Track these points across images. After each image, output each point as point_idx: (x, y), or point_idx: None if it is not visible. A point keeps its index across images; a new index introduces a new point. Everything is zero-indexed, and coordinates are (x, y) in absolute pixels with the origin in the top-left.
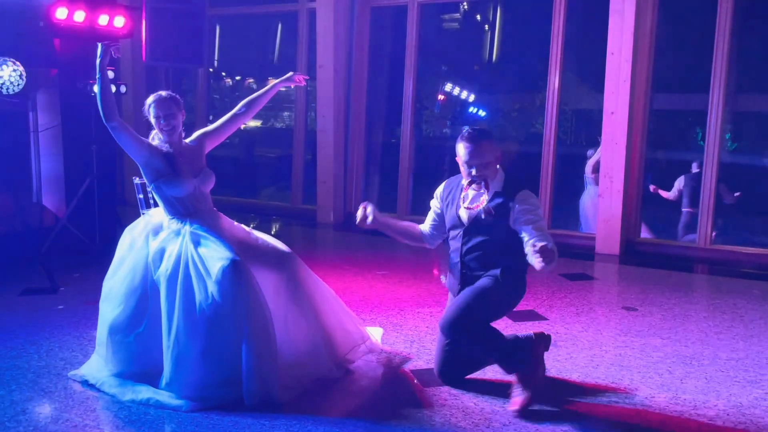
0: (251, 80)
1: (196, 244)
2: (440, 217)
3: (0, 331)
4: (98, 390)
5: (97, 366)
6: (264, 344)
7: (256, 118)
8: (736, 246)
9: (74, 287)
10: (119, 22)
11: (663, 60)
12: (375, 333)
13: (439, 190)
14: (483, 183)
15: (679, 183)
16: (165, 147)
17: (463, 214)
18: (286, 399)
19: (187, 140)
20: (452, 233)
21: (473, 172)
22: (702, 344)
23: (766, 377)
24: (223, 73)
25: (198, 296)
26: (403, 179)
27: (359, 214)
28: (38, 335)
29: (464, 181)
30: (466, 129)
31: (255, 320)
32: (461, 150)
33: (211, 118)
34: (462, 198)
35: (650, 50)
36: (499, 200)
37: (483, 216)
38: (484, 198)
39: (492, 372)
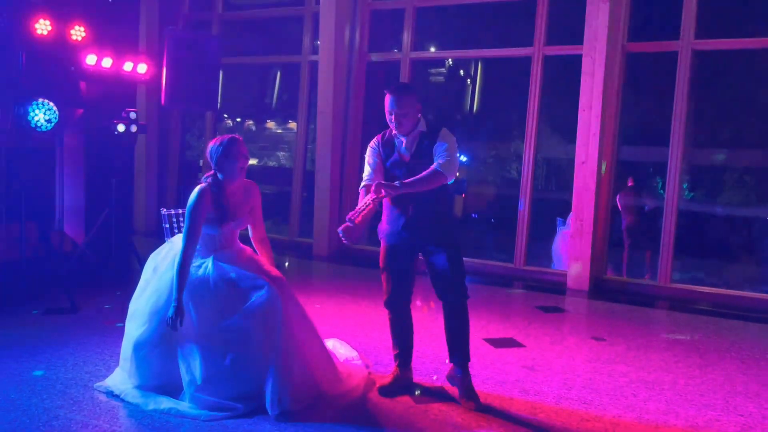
0: (251, 122)
1: (222, 271)
2: (380, 166)
3: (27, 346)
4: (122, 400)
5: (121, 379)
6: (289, 361)
7: (253, 157)
8: (693, 285)
9: (94, 308)
10: (142, 68)
11: (628, 116)
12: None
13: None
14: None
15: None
16: (218, 188)
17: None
18: (298, 409)
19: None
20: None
21: (392, 118)
22: (663, 371)
23: (719, 401)
24: (225, 115)
25: (225, 316)
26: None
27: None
28: (63, 350)
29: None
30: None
31: (284, 339)
32: (386, 100)
33: None
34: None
35: (617, 107)
36: (426, 141)
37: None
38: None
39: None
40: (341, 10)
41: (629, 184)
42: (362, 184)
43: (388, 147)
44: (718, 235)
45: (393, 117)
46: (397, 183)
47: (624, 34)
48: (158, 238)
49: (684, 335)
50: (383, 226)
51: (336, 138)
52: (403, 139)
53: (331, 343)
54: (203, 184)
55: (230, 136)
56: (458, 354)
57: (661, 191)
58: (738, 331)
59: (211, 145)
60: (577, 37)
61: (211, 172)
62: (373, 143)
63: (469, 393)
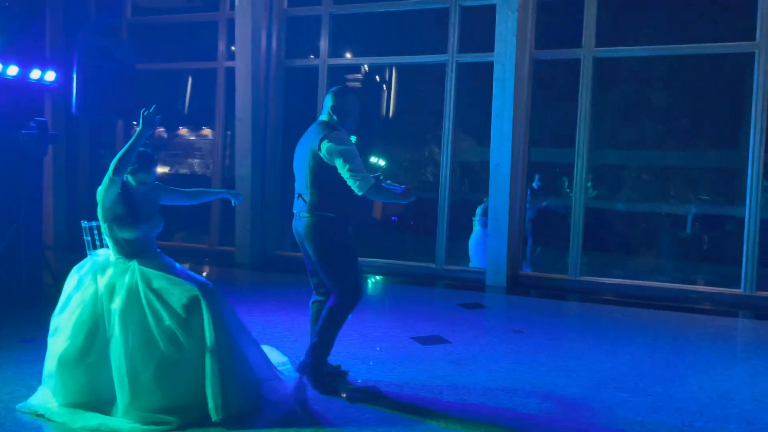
0: (161, 129)
1: (147, 279)
2: None
3: None
4: (48, 419)
5: (45, 397)
6: (228, 366)
7: (163, 164)
8: (600, 277)
9: (7, 327)
10: (50, 76)
11: (538, 120)
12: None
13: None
14: None
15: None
16: (132, 190)
17: None
18: (239, 415)
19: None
20: None
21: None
22: (578, 359)
23: (630, 384)
24: (134, 123)
25: (155, 326)
26: None
27: None
28: None
29: None
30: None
31: (220, 345)
32: (354, 99)
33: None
34: None
35: (527, 111)
36: None
37: None
38: None
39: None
40: (257, 16)
41: (536, 183)
42: (370, 175)
43: None
44: (620, 230)
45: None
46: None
47: (531, 43)
48: (70, 251)
49: (594, 325)
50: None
51: (256, 145)
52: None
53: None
54: None
55: (149, 157)
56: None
57: (567, 190)
58: (642, 319)
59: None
60: (489, 45)
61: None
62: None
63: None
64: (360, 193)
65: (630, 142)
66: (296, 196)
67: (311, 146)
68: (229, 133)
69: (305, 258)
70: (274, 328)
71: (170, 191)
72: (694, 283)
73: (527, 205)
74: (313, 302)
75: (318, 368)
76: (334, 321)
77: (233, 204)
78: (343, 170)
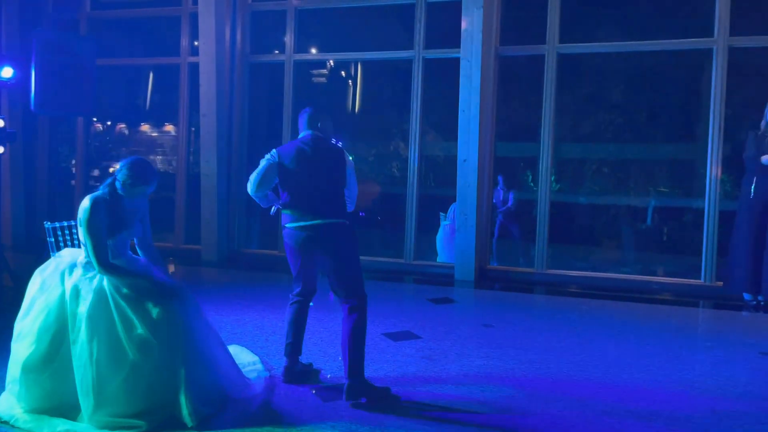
0: (123, 125)
1: (117, 283)
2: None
3: None
4: (13, 426)
5: (9, 403)
6: (197, 369)
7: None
8: (566, 270)
9: None
10: (7, 72)
11: (504, 115)
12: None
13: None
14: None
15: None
16: (115, 198)
17: None
18: (208, 416)
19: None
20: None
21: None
22: (547, 352)
23: (598, 374)
24: (95, 119)
25: (124, 333)
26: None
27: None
28: None
29: None
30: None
31: (189, 348)
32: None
33: (96, 173)
34: None
35: (493, 107)
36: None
37: None
38: None
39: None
40: (220, 10)
41: (501, 178)
42: None
43: None
44: (583, 222)
45: None
46: None
47: (497, 39)
48: (29, 252)
49: (562, 317)
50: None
51: (221, 141)
52: None
53: (231, 350)
54: (98, 193)
55: (146, 167)
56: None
57: (531, 184)
58: (607, 310)
59: (122, 165)
60: (455, 41)
61: (110, 181)
62: None
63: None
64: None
65: (592, 136)
66: (313, 203)
67: (339, 157)
68: (193, 129)
69: (306, 264)
70: (244, 327)
71: (144, 219)
72: (655, 274)
73: (508, 198)
74: (292, 303)
75: (368, 386)
76: (362, 333)
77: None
78: (353, 185)
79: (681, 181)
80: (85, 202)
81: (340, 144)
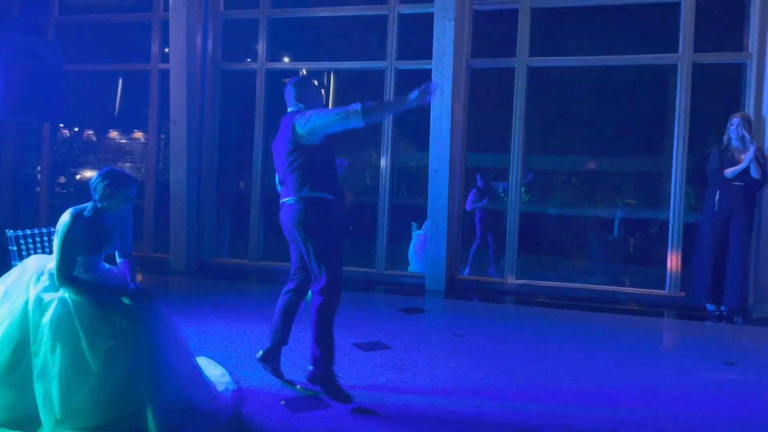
0: (90, 132)
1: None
2: None
3: None
4: None
5: None
6: (167, 381)
7: (93, 168)
8: (535, 280)
9: None
10: None
11: (475, 126)
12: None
13: None
14: None
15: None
16: (97, 217)
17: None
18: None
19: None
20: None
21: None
22: (516, 362)
23: (565, 384)
24: (61, 125)
25: (88, 345)
26: (254, 227)
27: None
28: None
29: None
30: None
31: (155, 359)
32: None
33: (62, 180)
34: None
35: (465, 118)
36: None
37: None
38: None
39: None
40: (192, 17)
41: (476, 188)
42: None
43: None
44: (552, 233)
45: None
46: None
47: (468, 51)
48: None
49: (530, 327)
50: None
51: (191, 148)
52: None
53: (199, 361)
54: (79, 208)
55: (120, 172)
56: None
57: (502, 194)
58: (575, 320)
59: (96, 178)
60: (427, 53)
61: (90, 202)
62: None
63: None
64: (361, 123)
65: (561, 148)
66: (279, 186)
67: (286, 134)
68: (162, 136)
69: (291, 247)
70: (213, 338)
71: (126, 233)
72: (622, 284)
73: (480, 205)
74: (285, 292)
75: (329, 378)
76: (325, 319)
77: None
78: (327, 121)
79: (647, 193)
80: (65, 217)
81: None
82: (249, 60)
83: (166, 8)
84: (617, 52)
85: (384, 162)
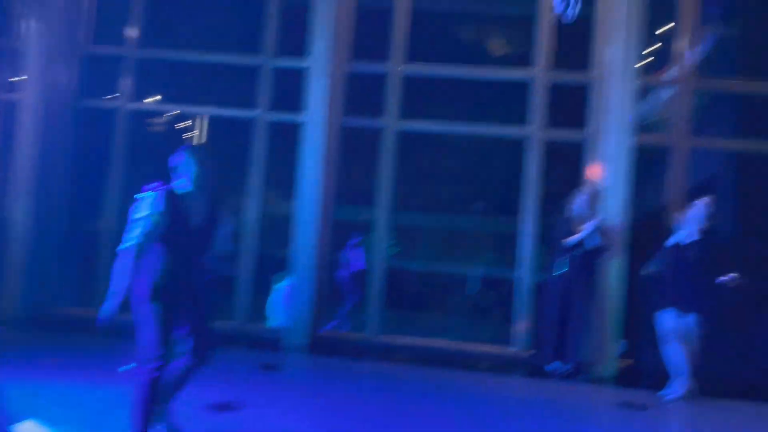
0: None
1: None
2: None
3: None
4: None
5: None
6: None
7: None
8: (397, 336)
9: None
10: None
11: (343, 180)
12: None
13: None
14: None
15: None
16: None
17: None
18: None
19: None
20: None
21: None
22: (372, 423)
23: None
24: None
25: None
26: (103, 273)
27: None
28: None
29: None
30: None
31: None
32: None
33: None
34: None
35: (334, 172)
36: None
37: None
38: None
39: None
40: (51, 49)
41: (347, 242)
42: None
43: None
44: (415, 288)
45: None
46: None
47: (341, 108)
48: None
49: (390, 386)
50: None
51: (40, 187)
52: None
53: (25, 426)
54: None
55: None
56: None
57: (370, 249)
58: (433, 378)
59: None
60: (301, 106)
61: None
62: None
63: None
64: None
65: (427, 206)
66: None
67: None
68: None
69: None
70: (46, 398)
71: None
72: (478, 340)
73: (350, 262)
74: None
75: None
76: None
77: None
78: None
79: (504, 253)
80: None
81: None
82: (111, 97)
83: (19, 37)
84: (480, 122)
85: (251, 211)
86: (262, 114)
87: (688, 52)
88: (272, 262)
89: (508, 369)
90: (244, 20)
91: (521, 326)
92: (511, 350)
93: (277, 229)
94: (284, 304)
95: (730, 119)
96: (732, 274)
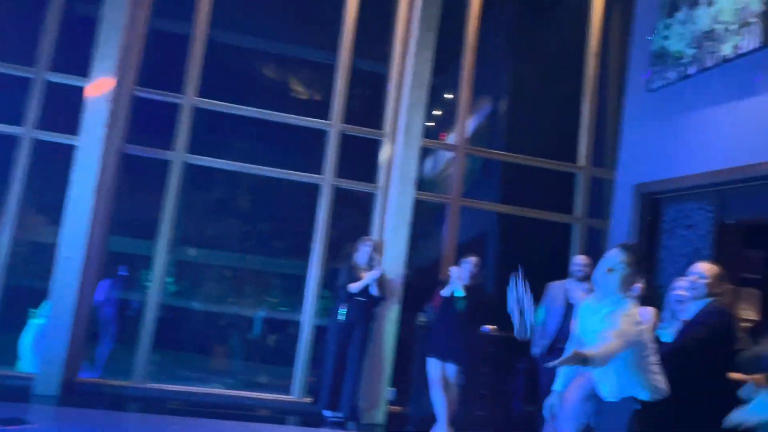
0: None
1: None
2: None
3: None
4: None
5: None
6: None
7: None
8: (167, 384)
9: None
10: None
11: (121, 210)
12: None
13: None
14: None
15: None
16: None
17: None
18: None
19: None
20: None
21: None
22: None
23: None
24: None
25: None
26: None
27: None
28: None
29: None
30: None
31: None
32: None
33: None
34: None
35: (109, 202)
36: None
37: None
38: None
39: None
40: None
41: (117, 275)
42: None
43: None
44: (195, 329)
45: None
46: None
47: (122, 135)
48: None
49: None
50: None
51: None
52: None
53: None
54: None
55: None
56: None
57: (147, 283)
58: (203, 430)
59: None
60: (76, 128)
61: None
62: None
63: None
64: None
65: (214, 242)
66: None
67: None
68: None
69: None
70: None
71: None
72: (257, 387)
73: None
74: None
75: None
76: None
77: None
78: None
79: (290, 295)
80: None
81: None
82: None
83: None
84: (274, 164)
85: (4, 237)
86: (27, 131)
87: (464, 121)
88: (29, 295)
89: (285, 417)
90: (23, 29)
91: (301, 372)
92: (290, 398)
93: (38, 257)
94: (36, 345)
95: (495, 185)
96: (489, 326)
